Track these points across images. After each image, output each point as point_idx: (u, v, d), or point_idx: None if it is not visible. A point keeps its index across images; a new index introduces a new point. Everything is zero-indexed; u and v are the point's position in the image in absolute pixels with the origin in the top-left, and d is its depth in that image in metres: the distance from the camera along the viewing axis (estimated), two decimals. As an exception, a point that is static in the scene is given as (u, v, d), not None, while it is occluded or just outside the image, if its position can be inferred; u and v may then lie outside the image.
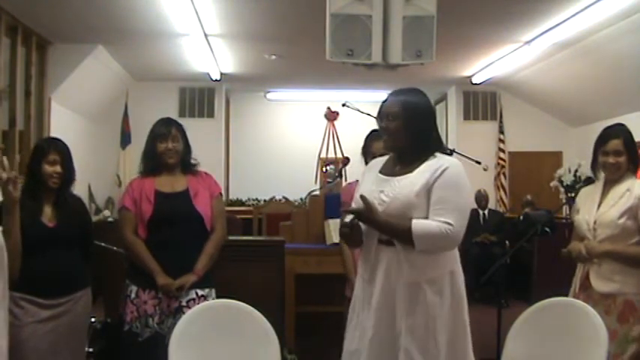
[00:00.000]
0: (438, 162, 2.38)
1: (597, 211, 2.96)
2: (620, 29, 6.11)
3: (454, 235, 2.30)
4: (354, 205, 2.46)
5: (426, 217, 2.31)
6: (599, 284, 2.89)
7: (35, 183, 2.88)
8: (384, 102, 2.48)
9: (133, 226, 3.02)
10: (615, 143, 2.96)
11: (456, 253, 2.43)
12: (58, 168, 2.88)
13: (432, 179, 2.33)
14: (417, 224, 2.29)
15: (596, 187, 3.08)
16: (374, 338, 2.34)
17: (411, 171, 2.39)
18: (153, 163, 3.10)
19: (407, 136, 2.41)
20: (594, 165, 3.08)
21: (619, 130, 3.00)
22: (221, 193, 3.25)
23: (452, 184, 2.34)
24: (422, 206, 2.32)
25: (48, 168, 2.87)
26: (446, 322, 2.32)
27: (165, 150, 3.06)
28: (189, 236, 3.01)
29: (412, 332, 2.28)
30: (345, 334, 2.50)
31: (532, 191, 8.42)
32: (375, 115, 2.51)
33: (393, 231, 2.34)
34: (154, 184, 3.06)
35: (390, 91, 2.51)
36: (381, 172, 2.51)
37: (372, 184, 2.47)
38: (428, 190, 2.32)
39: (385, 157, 2.59)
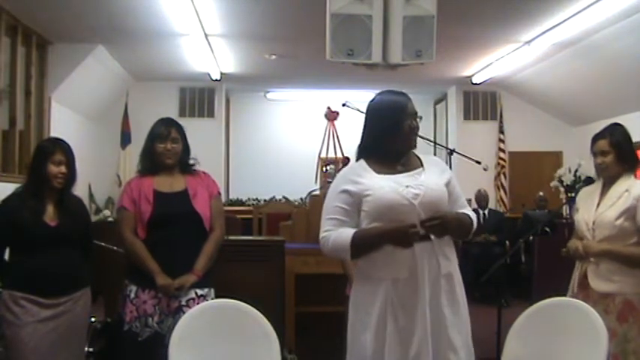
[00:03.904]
0: (429, 156, 2.54)
1: (596, 212, 2.96)
2: (620, 29, 6.11)
3: None
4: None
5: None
6: (597, 284, 2.89)
7: (38, 182, 2.89)
8: (404, 102, 2.43)
9: (132, 226, 3.01)
10: (601, 144, 2.97)
11: None
12: (63, 168, 2.89)
13: (446, 174, 2.47)
14: (471, 215, 2.47)
15: (596, 187, 3.07)
16: (431, 335, 2.29)
17: (419, 166, 2.45)
18: (151, 163, 3.09)
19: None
20: None
21: (606, 131, 3.00)
22: (220, 193, 3.24)
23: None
24: (446, 197, 2.42)
25: (54, 168, 2.87)
26: (465, 309, 2.42)
27: (164, 150, 3.05)
28: (188, 236, 3.00)
29: (452, 321, 2.35)
30: (362, 338, 2.34)
31: (532, 191, 8.41)
32: (395, 112, 2.41)
33: (463, 224, 2.42)
34: (153, 184, 3.05)
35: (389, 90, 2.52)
36: (378, 173, 2.40)
37: (391, 182, 2.36)
38: (447, 184, 2.44)
39: (359, 164, 2.45)
